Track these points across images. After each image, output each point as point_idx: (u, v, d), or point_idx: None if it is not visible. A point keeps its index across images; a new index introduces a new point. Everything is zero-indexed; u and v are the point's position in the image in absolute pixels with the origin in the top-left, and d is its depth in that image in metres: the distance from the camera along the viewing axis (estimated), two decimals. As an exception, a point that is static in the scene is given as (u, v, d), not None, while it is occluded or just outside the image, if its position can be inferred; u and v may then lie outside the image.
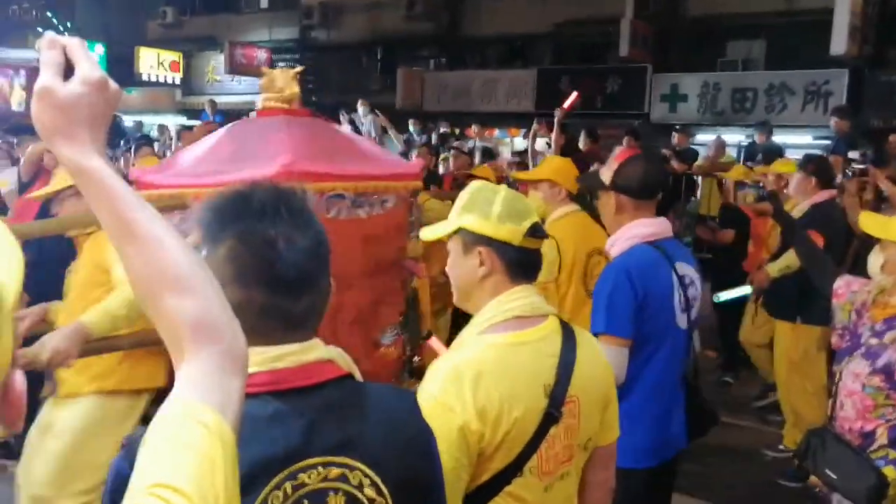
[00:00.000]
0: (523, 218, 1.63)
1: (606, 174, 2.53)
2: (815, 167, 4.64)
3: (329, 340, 1.18)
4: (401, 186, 3.53)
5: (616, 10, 12.40)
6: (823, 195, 4.51)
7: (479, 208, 1.64)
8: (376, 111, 10.46)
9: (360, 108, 10.92)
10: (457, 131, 12.32)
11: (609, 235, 2.59)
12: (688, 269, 2.47)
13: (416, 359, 3.70)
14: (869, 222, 2.71)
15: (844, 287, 2.75)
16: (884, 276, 2.59)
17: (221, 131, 3.63)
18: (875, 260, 2.64)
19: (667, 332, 2.40)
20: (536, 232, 1.64)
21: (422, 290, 3.68)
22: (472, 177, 7.27)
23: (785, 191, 5.22)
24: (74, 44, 0.86)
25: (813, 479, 2.64)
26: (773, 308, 4.81)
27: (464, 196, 1.70)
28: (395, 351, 3.54)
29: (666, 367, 2.41)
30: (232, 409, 0.79)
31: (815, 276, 3.02)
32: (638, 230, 2.44)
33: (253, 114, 3.64)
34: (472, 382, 1.50)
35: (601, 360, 1.74)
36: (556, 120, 6.68)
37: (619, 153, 2.68)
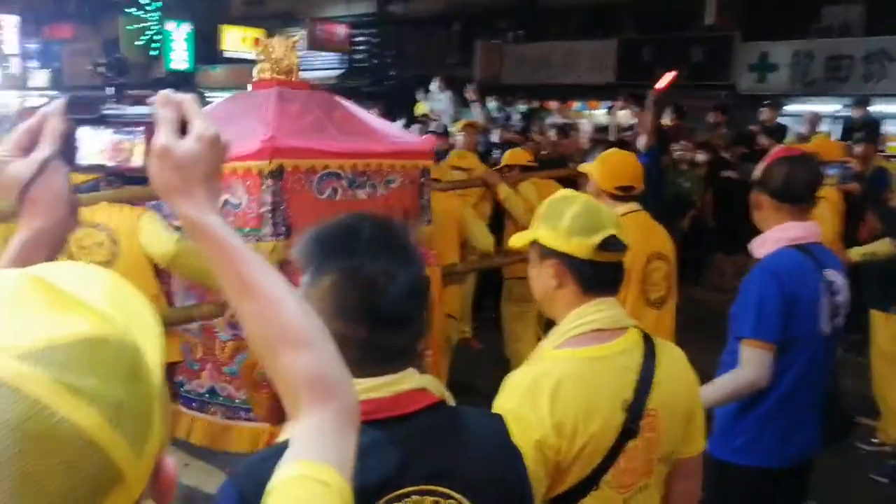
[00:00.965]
0: (594, 231, 1.61)
1: (756, 171, 2.54)
2: None
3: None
4: (409, 165, 3.28)
5: (703, -25, 11.93)
6: None
7: (551, 220, 1.65)
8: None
9: (434, 85, 10.85)
10: (535, 104, 12.15)
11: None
12: (836, 276, 2.45)
13: (427, 353, 3.45)
14: None
15: None
16: None
17: (213, 106, 3.51)
18: None
19: (811, 338, 2.38)
20: (609, 245, 1.61)
21: (433, 278, 3.43)
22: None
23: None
24: (188, 100, 0.89)
25: None
26: (868, 297, 4.60)
27: (543, 205, 1.72)
28: None
29: (806, 373, 2.40)
30: (348, 465, 0.82)
31: None
32: (785, 233, 2.42)
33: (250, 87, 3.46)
34: (550, 396, 1.51)
35: (685, 371, 1.72)
36: (649, 102, 6.47)
37: (774, 151, 2.65)
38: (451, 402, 1.20)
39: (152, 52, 20.82)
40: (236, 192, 2.96)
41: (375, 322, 1.10)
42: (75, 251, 3.08)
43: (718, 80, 12.06)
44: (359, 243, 1.11)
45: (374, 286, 1.09)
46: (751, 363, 2.32)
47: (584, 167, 3.27)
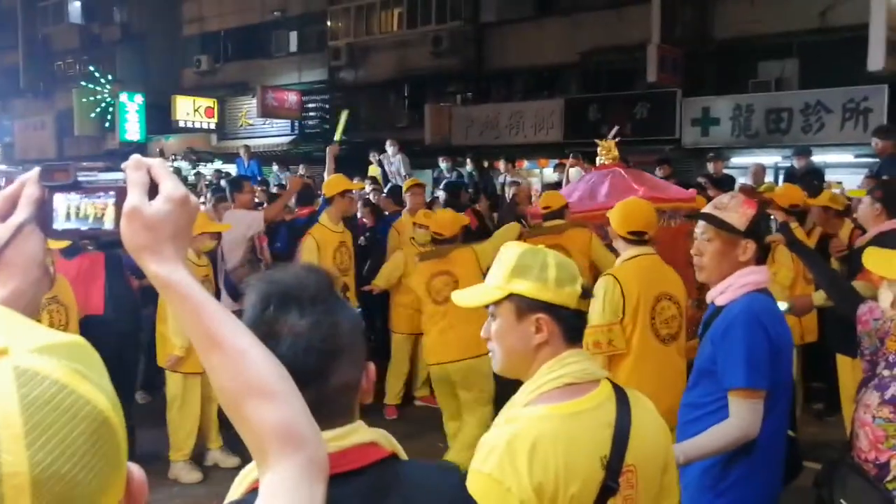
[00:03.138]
0: (575, 280, 1.58)
1: (736, 217, 2.33)
2: (883, 194, 4.23)
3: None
4: (686, 207, 5.17)
5: (642, 35, 12.27)
6: (891, 224, 4.07)
7: (535, 273, 1.58)
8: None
9: (389, 148, 10.94)
10: (485, 164, 12.26)
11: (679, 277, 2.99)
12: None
13: None
14: (872, 259, 2.57)
15: (868, 313, 2.64)
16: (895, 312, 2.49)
17: (587, 178, 5.70)
18: (885, 296, 2.51)
19: (784, 385, 2.33)
20: (587, 293, 1.60)
21: None
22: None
23: (856, 215, 4.99)
24: (157, 164, 0.92)
25: None
26: (833, 341, 4.53)
27: (510, 259, 1.61)
28: None
29: (782, 418, 2.33)
30: None
31: (841, 305, 2.87)
32: (752, 277, 2.33)
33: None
34: (527, 458, 1.44)
35: (657, 423, 1.66)
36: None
37: (745, 200, 2.42)
38: (403, 455, 1.15)
39: (106, 125, 20.77)
40: None
41: None
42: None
43: (663, 134, 12.34)
44: (274, 296, 1.11)
45: (274, 339, 1.06)
46: (743, 414, 2.20)
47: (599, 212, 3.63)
